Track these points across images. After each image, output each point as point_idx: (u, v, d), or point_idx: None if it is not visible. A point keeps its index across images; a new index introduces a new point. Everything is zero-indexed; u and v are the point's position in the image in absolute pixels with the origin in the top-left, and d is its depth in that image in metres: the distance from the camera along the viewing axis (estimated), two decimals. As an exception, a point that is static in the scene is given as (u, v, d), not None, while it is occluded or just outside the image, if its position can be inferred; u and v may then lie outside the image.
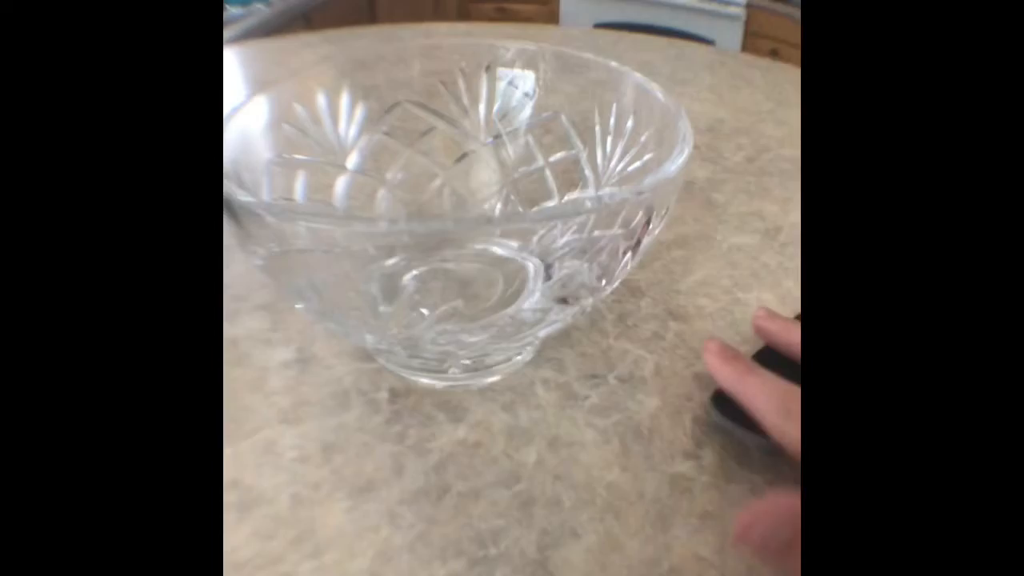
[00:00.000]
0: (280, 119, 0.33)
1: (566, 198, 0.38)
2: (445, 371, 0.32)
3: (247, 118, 0.31)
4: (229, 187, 0.24)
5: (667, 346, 0.36)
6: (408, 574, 0.25)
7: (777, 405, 0.27)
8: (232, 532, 0.27)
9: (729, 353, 0.31)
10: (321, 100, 0.35)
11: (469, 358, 0.30)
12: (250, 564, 0.26)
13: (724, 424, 0.30)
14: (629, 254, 0.26)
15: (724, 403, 0.30)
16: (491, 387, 0.33)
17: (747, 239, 0.44)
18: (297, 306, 0.28)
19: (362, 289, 0.24)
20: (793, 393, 0.28)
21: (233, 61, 0.72)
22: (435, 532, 0.27)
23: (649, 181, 0.26)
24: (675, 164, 0.27)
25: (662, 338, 0.36)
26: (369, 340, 0.28)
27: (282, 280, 0.26)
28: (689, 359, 0.35)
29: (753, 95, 0.65)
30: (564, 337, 0.36)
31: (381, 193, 0.38)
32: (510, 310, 0.26)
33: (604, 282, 0.27)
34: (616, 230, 0.26)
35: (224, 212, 0.26)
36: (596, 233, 0.26)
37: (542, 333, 0.29)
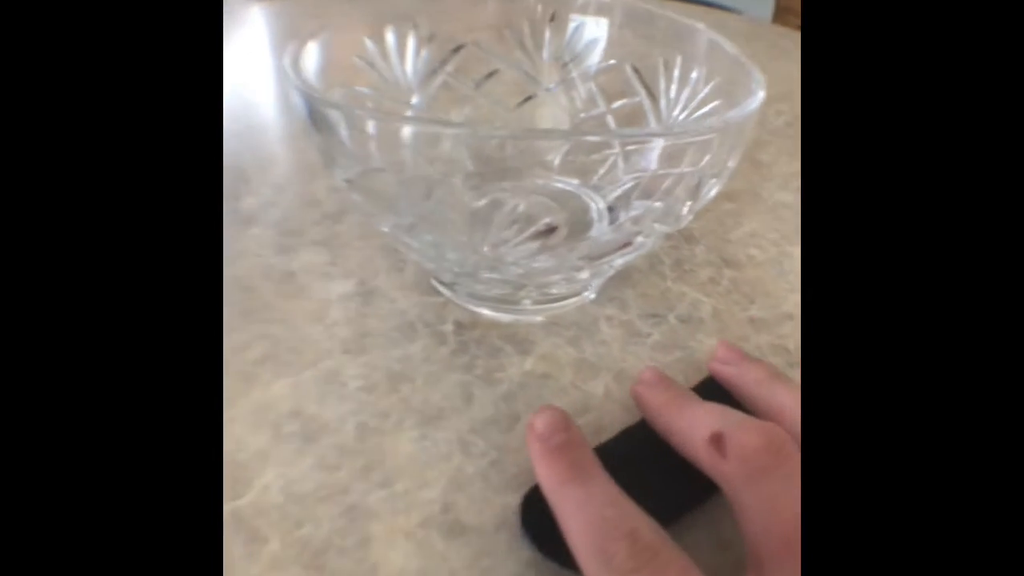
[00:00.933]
0: (349, 56, 0.33)
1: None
2: (517, 302, 0.32)
3: (313, 56, 0.31)
4: (314, 98, 0.24)
5: (722, 291, 0.36)
6: (482, 501, 0.25)
7: (595, 543, 0.20)
8: (293, 464, 0.26)
9: (557, 440, 0.23)
10: (390, 39, 0.35)
11: (545, 283, 0.30)
12: (312, 496, 0.25)
13: (530, 543, 0.23)
14: (714, 180, 0.27)
15: (539, 511, 0.23)
16: (555, 322, 0.33)
17: (792, 197, 0.45)
18: (383, 228, 0.28)
19: (466, 202, 0.24)
20: (617, 526, 0.20)
21: (268, 16, 0.72)
22: (508, 459, 0.27)
23: (733, 115, 0.26)
24: (754, 103, 0.27)
25: (718, 283, 0.37)
26: (450, 261, 0.28)
27: (371, 197, 0.27)
28: (743, 304, 0.35)
29: (788, 64, 0.65)
30: (624, 278, 0.36)
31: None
32: (592, 232, 0.26)
33: (687, 209, 0.27)
34: (684, 167, 0.26)
35: (312, 132, 0.26)
36: (661, 171, 0.26)
37: (620, 262, 0.29)
